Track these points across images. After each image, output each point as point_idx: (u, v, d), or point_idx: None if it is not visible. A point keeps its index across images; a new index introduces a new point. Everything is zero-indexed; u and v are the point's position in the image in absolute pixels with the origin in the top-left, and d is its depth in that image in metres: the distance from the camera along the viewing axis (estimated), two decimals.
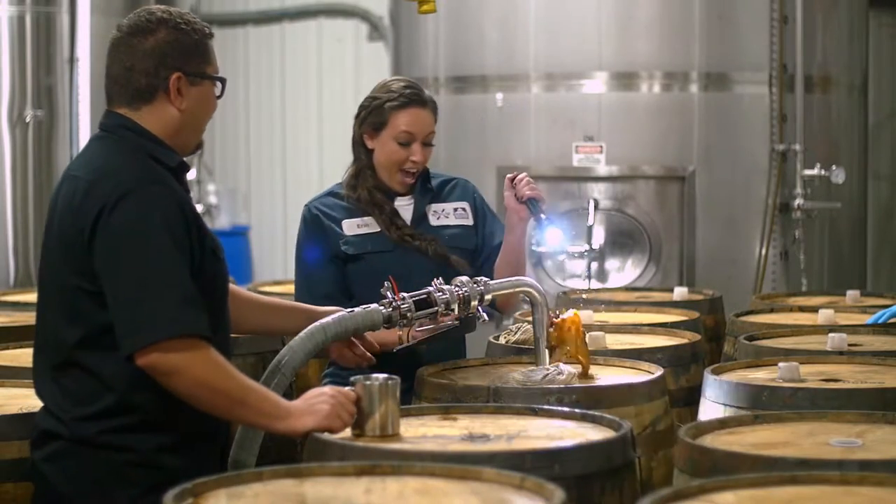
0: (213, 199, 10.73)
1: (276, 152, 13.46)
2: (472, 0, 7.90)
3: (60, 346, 3.33)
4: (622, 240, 7.58)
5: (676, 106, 7.66)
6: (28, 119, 8.37)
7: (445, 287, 4.01)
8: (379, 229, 4.53)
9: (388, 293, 3.95)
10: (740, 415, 3.52)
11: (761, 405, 3.71)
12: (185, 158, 3.49)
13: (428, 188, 4.61)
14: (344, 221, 4.52)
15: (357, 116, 4.59)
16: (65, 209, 3.33)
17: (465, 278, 4.04)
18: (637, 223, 7.54)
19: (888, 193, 10.11)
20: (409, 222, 4.55)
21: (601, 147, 7.58)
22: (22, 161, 8.43)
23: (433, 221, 4.58)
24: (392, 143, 4.52)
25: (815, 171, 7.79)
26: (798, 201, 7.74)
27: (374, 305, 3.91)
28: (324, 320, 3.83)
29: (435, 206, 4.61)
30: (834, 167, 7.75)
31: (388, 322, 3.92)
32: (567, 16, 7.66)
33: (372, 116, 4.54)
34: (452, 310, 4.00)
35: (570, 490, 2.80)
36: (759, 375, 4.08)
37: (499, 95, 7.78)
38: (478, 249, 4.62)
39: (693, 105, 7.65)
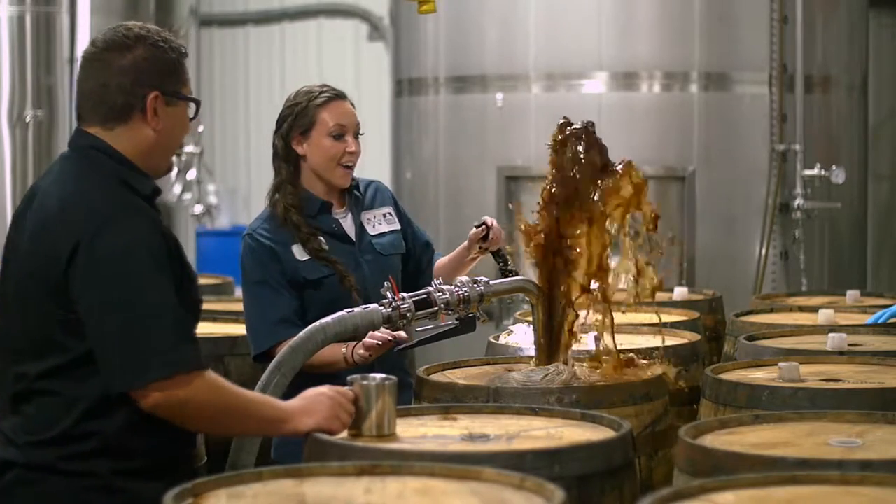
0: (213, 199, 10.71)
1: None
2: (472, 0, 7.90)
3: (24, 374, 3.20)
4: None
5: (676, 106, 7.66)
6: (28, 119, 8.37)
7: (445, 287, 4.01)
8: (326, 248, 4.49)
9: (388, 293, 3.95)
10: (740, 415, 3.52)
11: (761, 405, 3.71)
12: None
13: (357, 197, 4.60)
14: (293, 247, 4.45)
15: (279, 129, 4.53)
16: (35, 233, 3.20)
17: (465, 278, 4.05)
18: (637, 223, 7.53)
19: (888, 193, 10.11)
20: (352, 236, 4.54)
21: None
22: (22, 161, 8.43)
23: (370, 230, 4.59)
24: (326, 139, 4.48)
25: (815, 171, 7.79)
26: (798, 201, 7.74)
27: (374, 305, 3.91)
28: (323, 320, 3.82)
29: (367, 215, 4.61)
30: (834, 167, 7.75)
31: (388, 322, 3.92)
32: (567, 16, 7.66)
33: (299, 120, 4.50)
34: (452, 310, 4.00)
35: (570, 490, 2.80)
36: (759, 375, 4.08)
37: (499, 95, 7.78)
38: (409, 252, 4.67)
39: (693, 105, 7.65)
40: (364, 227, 4.58)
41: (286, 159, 4.53)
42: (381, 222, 4.62)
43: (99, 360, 3.12)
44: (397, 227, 4.64)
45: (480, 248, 4.59)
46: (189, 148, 9.00)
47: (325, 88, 4.55)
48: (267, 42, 13.51)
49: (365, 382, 3.28)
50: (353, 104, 4.59)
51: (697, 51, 7.63)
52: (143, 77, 3.25)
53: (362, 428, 3.26)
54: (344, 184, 4.53)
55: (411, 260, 4.68)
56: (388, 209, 4.66)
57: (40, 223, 3.20)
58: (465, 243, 4.63)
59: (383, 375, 3.32)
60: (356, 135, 4.54)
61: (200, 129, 9.21)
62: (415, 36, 8.19)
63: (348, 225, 4.56)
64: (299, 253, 4.44)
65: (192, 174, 9.04)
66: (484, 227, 4.56)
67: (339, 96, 4.54)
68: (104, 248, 3.10)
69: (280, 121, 4.55)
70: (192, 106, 3.35)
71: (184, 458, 3.30)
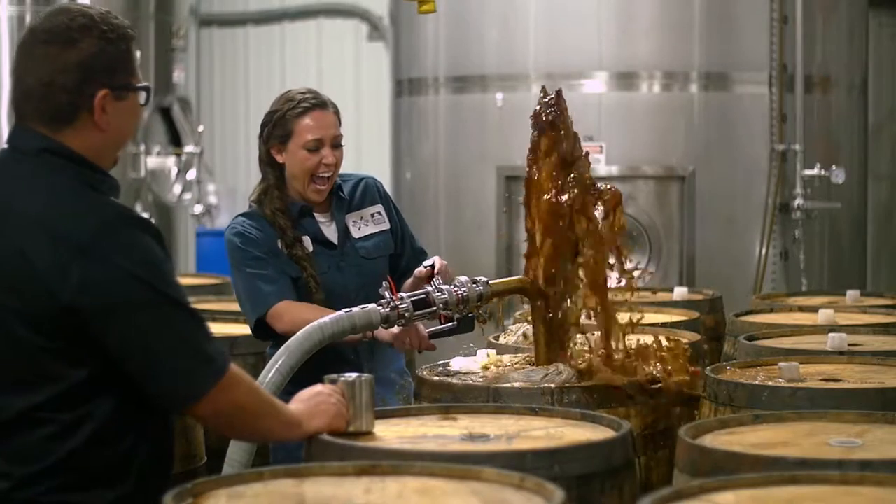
0: (213, 199, 10.72)
1: None
2: (472, 0, 7.90)
3: (5, 407, 2.93)
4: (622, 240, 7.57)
5: (676, 106, 7.66)
6: None
7: (444, 287, 4.01)
8: (311, 250, 4.45)
9: (386, 293, 3.95)
10: (740, 415, 3.52)
11: (761, 405, 3.71)
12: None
13: (342, 198, 4.54)
14: (278, 241, 4.43)
15: (261, 134, 4.50)
16: (8, 253, 2.91)
17: (464, 278, 4.04)
18: (637, 223, 7.54)
19: (888, 193, 10.11)
20: (335, 241, 4.49)
21: (601, 147, 7.57)
22: None
23: (355, 234, 4.53)
24: (301, 151, 4.43)
25: (815, 171, 7.79)
26: (798, 201, 7.74)
27: (372, 305, 3.91)
28: (321, 320, 3.82)
29: (353, 216, 4.55)
30: (834, 167, 7.76)
31: (386, 322, 3.92)
32: (567, 16, 7.66)
33: (277, 129, 4.46)
34: (451, 310, 4.00)
35: (570, 490, 2.80)
36: (760, 375, 4.08)
37: (499, 95, 7.78)
38: (398, 253, 4.60)
39: (693, 105, 7.65)
40: (349, 230, 4.52)
41: (271, 164, 4.50)
42: (367, 223, 4.56)
43: (149, 380, 2.93)
44: (386, 226, 4.59)
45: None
46: (189, 148, 8.99)
47: (306, 96, 4.46)
48: (267, 42, 13.50)
49: (349, 379, 3.25)
50: (337, 112, 4.50)
51: (697, 51, 7.63)
52: (90, 75, 2.97)
53: (350, 425, 3.24)
54: (317, 199, 4.48)
55: (402, 260, 4.61)
56: (378, 208, 4.60)
57: (15, 242, 2.92)
58: (411, 279, 4.41)
59: (357, 374, 3.29)
60: (335, 145, 4.46)
61: (200, 129, 9.20)
62: (415, 36, 8.19)
63: (331, 231, 4.51)
64: (284, 249, 4.43)
65: (192, 174, 9.03)
66: (431, 267, 4.32)
67: (318, 105, 4.45)
68: (115, 268, 2.88)
69: (262, 126, 4.50)
70: (143, 94, 3.07)
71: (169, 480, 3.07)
